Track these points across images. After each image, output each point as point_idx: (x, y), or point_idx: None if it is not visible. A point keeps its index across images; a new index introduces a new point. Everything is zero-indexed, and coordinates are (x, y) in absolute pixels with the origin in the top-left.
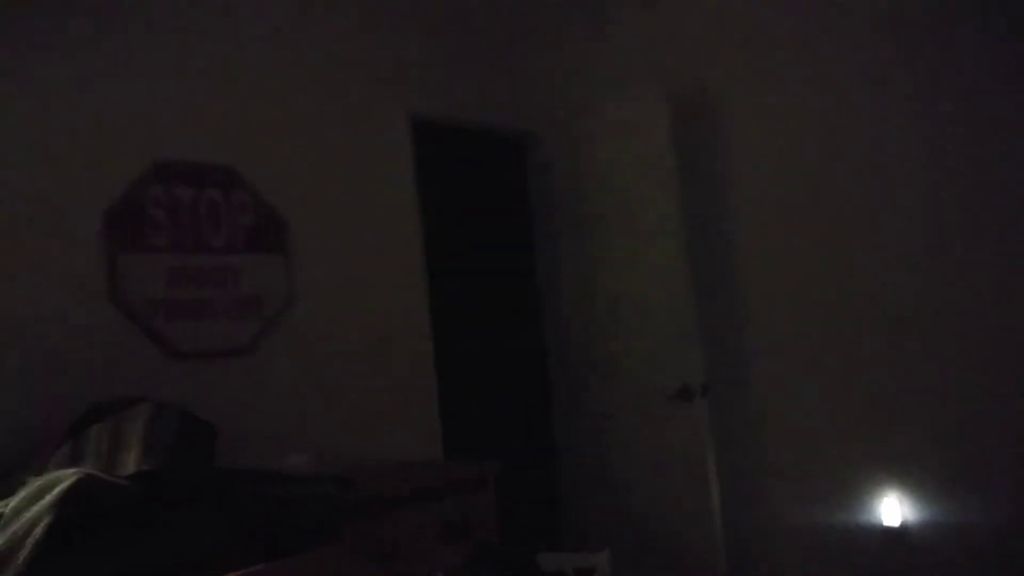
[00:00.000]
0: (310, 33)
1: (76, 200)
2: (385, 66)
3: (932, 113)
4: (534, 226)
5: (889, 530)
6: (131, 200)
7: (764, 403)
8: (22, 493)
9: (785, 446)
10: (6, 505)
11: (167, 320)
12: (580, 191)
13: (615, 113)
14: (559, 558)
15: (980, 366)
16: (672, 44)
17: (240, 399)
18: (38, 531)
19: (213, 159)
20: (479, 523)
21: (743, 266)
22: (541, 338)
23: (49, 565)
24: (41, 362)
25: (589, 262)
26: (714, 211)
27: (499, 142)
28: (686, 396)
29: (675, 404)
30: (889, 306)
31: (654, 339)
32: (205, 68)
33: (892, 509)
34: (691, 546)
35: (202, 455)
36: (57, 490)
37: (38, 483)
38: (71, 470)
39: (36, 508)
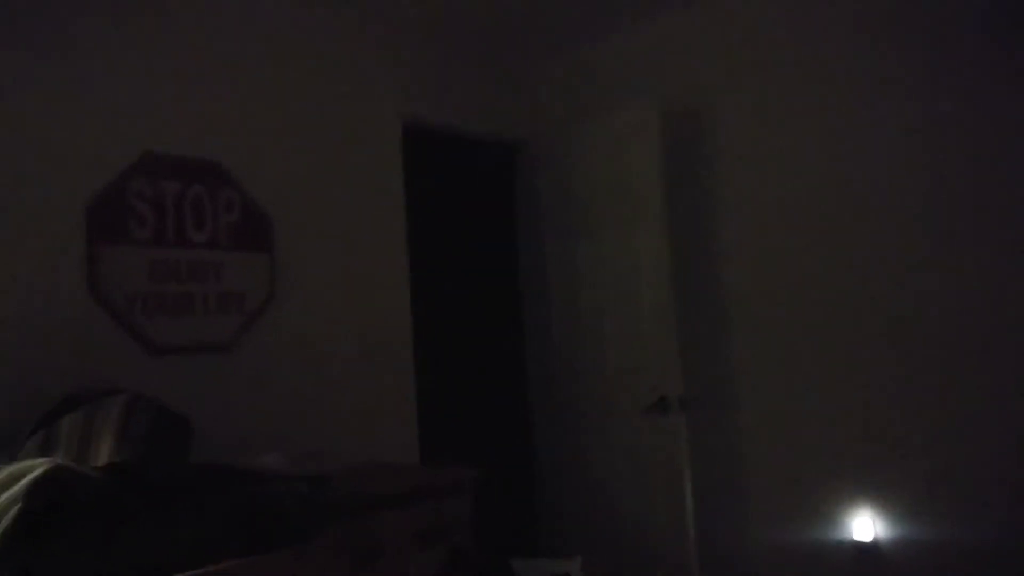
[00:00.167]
0: (307, 35)
1: (58, 190)
2: (380, 70)
3: (931, 127)
4: (520, 234)
5: (862, 546)
6: (115, 192)
7: (742, 418)
8: None
9: (761, 461)
10: None
11: (147, 314)
12: (568, 201)
13: (607, 125)
14: (533, 564)
15: (956, 384)
16: (666, 59)
17: (218, 396)
18: (7, 520)
19: (200, 154)
20: (455, 528)
21: (728, 282)
22: (523, 344)
23: (17, 555)
24: (17, 353)
25: (574, 271)
26: (702, 226)
27: (489, 149)
28: (664, 408)
29: (653, 415)
30: (867, 325)
31: (635, 350)
32: (198, 65)
33: (865, 525)
34: (665, 557)
35: (176, 449)
36: (27, 479)
37: (7, 471)
38: (42, 459)
39: (4, 497)
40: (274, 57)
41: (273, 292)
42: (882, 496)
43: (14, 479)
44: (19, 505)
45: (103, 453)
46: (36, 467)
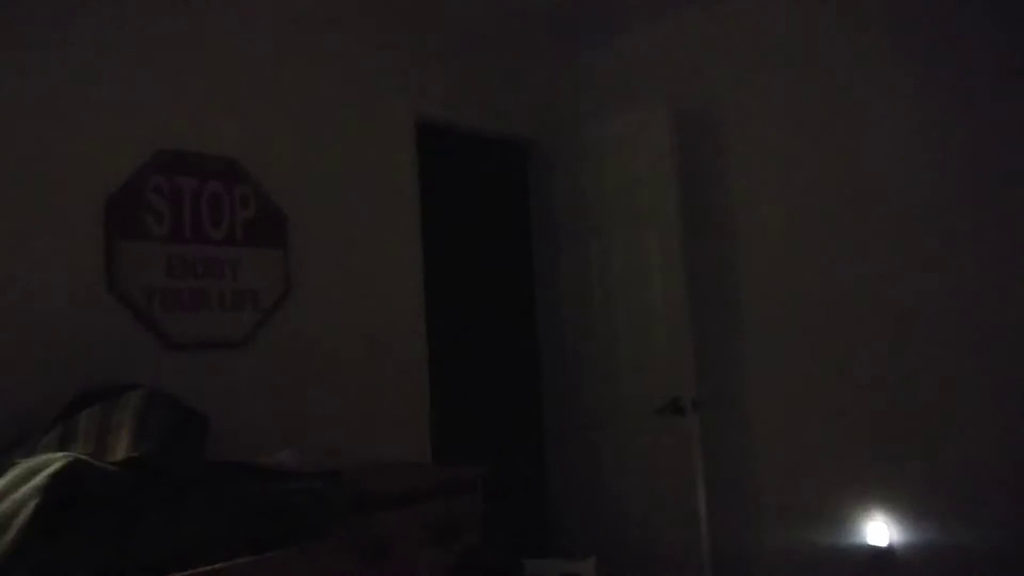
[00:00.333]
0: (322, 34)
1: (77, 187)
2: (394, 69)
3: (934, 124)
4: (534, 233)
5: (876, 550)
6: (133, 189)
7: (756, 421)
8: (9, 475)
9: (774, 464)
10: None
11: (164, 309)
12: (581, 200)
13: (619, 124)
14: (546, 564)
15: (969, 389)
16: (677, 59)
17: (233, 391)
18: (25, 513)
19: (217, 151)
20: (465, 526)
21: (742, 282)
22: (535, 343)
23: (35, 547)
24: (36, 348)
25: (587, 271)
26: (715, 225)
27: (503, 148)
28: (677, 410)
29: (666, 417)
30: (882, 327)
31: (648, 352)
32: (215, 63)
33: (879, 530)
34: (677, 558)
35: (192, 444)
36: (45, 473)
37: (26, 465)
38: (60, 454)
39: (23, 490)
40: (290, 56)
41: (288, 288)
42: (897, 500)
43: (32, 473)
44: (37, 499)
45: (120, 448)
46: (54, 461)
